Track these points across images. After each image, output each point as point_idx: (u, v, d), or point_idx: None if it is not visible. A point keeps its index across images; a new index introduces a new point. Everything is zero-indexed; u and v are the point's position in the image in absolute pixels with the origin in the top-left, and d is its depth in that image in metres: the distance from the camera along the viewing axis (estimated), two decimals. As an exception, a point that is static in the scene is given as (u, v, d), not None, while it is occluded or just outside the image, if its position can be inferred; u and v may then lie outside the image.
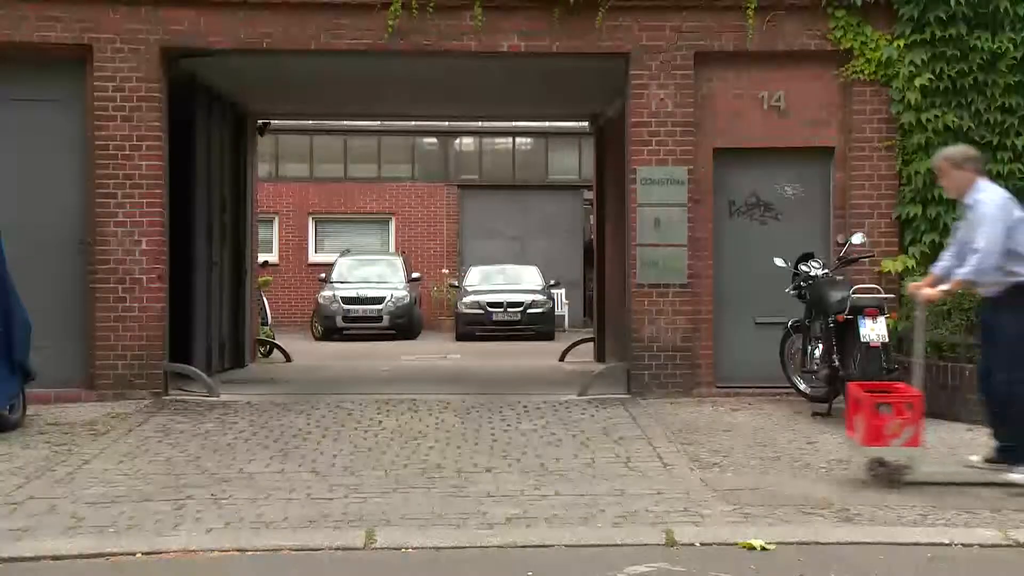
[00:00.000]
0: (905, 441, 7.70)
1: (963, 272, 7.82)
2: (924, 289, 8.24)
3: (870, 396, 7.87)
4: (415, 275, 26.69)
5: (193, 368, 12.80)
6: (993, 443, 8.12)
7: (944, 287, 8.06)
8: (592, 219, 21.01)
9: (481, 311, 24.95)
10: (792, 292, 11.45)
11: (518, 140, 30.51)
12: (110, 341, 11.94)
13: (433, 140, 30.62)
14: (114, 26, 11.97)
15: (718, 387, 12.25)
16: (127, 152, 11.98)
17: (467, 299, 25.32)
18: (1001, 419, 7.96)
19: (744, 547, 6.40)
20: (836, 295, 10.61)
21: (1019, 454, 7.79)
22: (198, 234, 14.12)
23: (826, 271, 11.30)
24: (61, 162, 12.16)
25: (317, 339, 25.05)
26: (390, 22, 12.03)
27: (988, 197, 7.81)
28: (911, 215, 12.08)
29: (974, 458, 8.29)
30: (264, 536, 6.66)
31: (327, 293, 25.36)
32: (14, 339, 10.12)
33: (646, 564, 6.05)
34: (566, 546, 6.46)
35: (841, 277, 11.24)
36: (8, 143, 12.09)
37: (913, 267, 11.93)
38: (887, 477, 7.80)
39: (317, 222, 30.53)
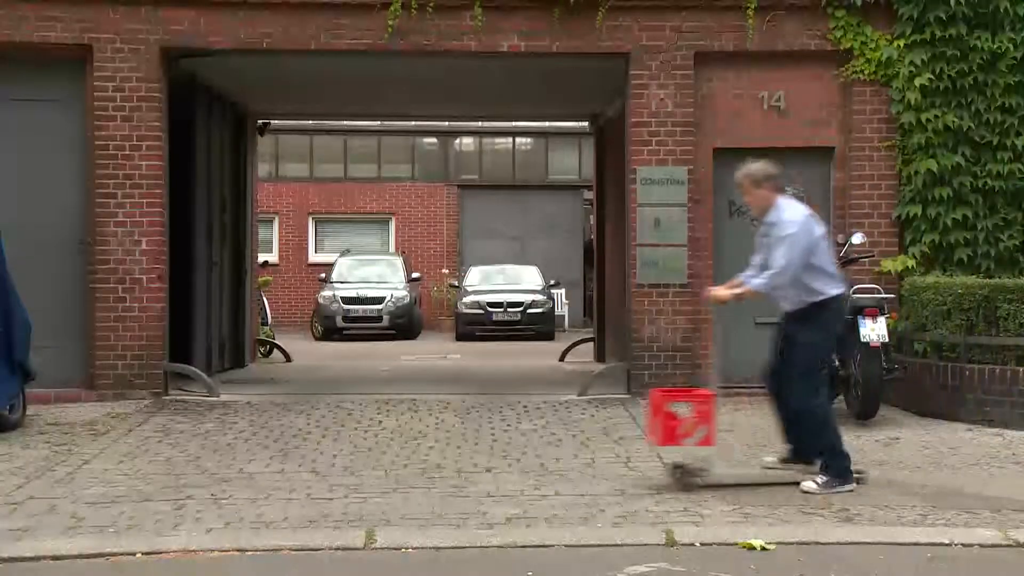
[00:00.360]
0: (698, 440, 7.74)
1: (757, 283, 7.84)
2: (716, 289, 8.31)
3: (663, 395, 7.91)
4: (415, 275, 26.68)
5: (193, 368, 12.80)
6: (786, 445, 8.15)
7: (737, 291, 8.08)
8: (592, 219, 21.01)
9: (481, 311, 24.95)
10: (792, 292, 11.42)
11: (518, 140, 30.50)
12: (110, 341, 11.94)
13: (433, 140, 30.62)
14: (114, 26, 11.97)
15: (718, 387, 12.20)
16: (127, 152, 11.98)
17: (467, 299, 25.32)
18: (795, 426, 8.02)
19: (744, 547, 6.40)
20: (836, 295, 10.59)
21: (835, 474, 7.73)
22: (198, 234, 14.12)
23: (826, 271, 11.28)
24: (61, 162, 12.17)
25: (317, 339, 25.04)
26: (390, 22, 12.03)
27: (788, 216, 7.77)
28: (911, 215, 12.08)
29: (769, 459, 8.34)
30: (264, 536, 6.66)
31: (327, 293, 25.35)
32: (14, 339, 10.12)
33: (646, 564, 6.05)
34: (566, 546, 6.46)
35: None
36: (8, 143, 12.09)
37: (913, 267, 11.94)
38: (684, 480, 7.78)
39: (317, 222, 30.52)
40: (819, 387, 8.02)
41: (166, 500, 7.53)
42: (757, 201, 7.96)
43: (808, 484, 7.70)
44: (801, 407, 7.88)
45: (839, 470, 7.74)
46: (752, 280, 7.89)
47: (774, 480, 7.90)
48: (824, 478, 7.72)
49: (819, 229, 7.88)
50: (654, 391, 8.12)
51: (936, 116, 12.01)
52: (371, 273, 26.29)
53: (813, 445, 7.90)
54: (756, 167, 8.04)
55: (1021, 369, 10.18)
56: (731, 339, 12.41)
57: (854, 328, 10.30)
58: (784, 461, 8.13)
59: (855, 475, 7.83)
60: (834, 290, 7.82)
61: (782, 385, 7.99)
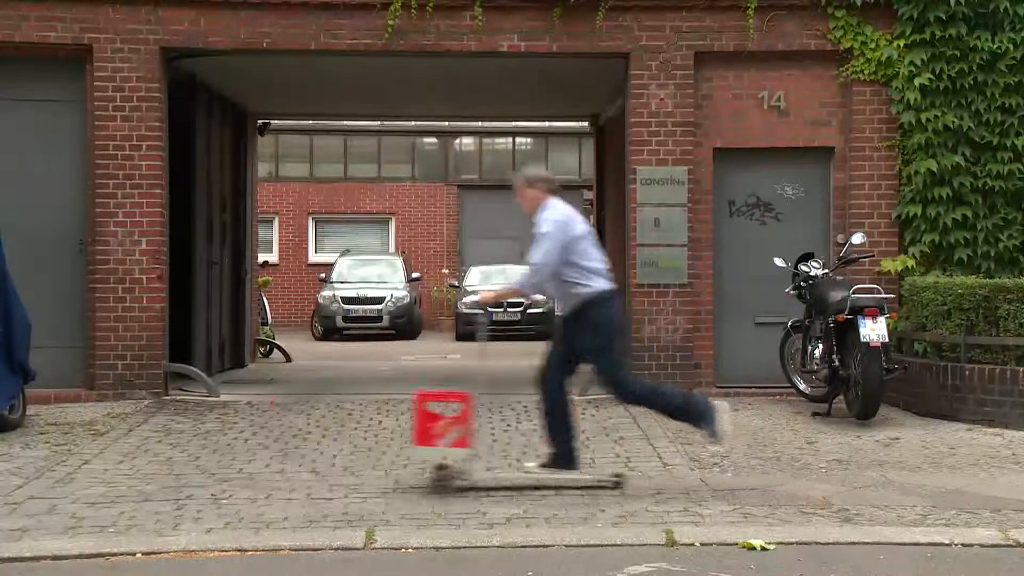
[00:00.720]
0: (452, 442, 7.69)
1: (515, 281, 8.01)
2: (483, 292, 8.46)
3: (420, 396, 7.87)
4: (415, 275, 26.69)
5: (193, 368, 12.80)
6: (549, 450, 8.10)
7: (499, 290, 8.32)
8: (592, 219, 21.00)
9: (481, 311, 24.89)
10: (792, 292, 11.45)
11: (518, 140, 30.49)
12: (110, 341, 11.94)
13: (433, 140, 30.62)
14: (114, 26, 11.97)
15: (718, 387, 12.25)
16: (127, 152, 11.98)
17: (467, 299, 25.30)
18: (554, 428, 8.03)
19: (744, 547, 6.40)
20: (836, 295, 10.61)
21: (705, 419, 7.87)
22: (198, 234, 14.12)
23: (826, 271, 11.31)
24: (61, 162, 12.17)
25: (317, 339, 25.04)
26: (390, 22, 12.04)
27: (550, 215, 7.92)
28: (911, 215, 12.08)
29: (530, 464, 8.30)
30: (264, 536, 6.66)
31: (327, 293, 25.36)
32: (14, 339, 10.12)
33: (646, 564, 6.05)
34: (566, 546, 6.46)
35: (841, 277, 11.25)
36: (8, 143, 12.09)
37: (913, 267, 11.93)
38: (442, 482, 7.73)
39: (317, 222, 30.52)
40: (626, 378, 8.04)
41: (166, 500, 7.53)
42: (528, 201, 8.13)
43: (714, 448, 7.93)
44: (637, 403, 8.12)
45: (700, 411, 7.87)
46: (512, 281, 8.01)
47: (530, 484, 7.84)
48: (707, 430, 7.86)
49: (580, 228, 7.97)
50: (418, 392, 8.08)
51: (936, 116, 12.01)
52: (371, 273, 26.30)
53: (684, 419, 8.00)
54: (529, 170, 8.38)
55: (1021, 369, 10.18)
56: (731, 339, 12.47)
57: (854, 328, 10.30)
58: (544, 466, 8.07)
59: (615, 479, 7.89)
60: (599, 285, 7.87)
61: (552, 388, 8.06)
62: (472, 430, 7.84)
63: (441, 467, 7.78)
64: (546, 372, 8.12)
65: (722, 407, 7.92)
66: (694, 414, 7.93)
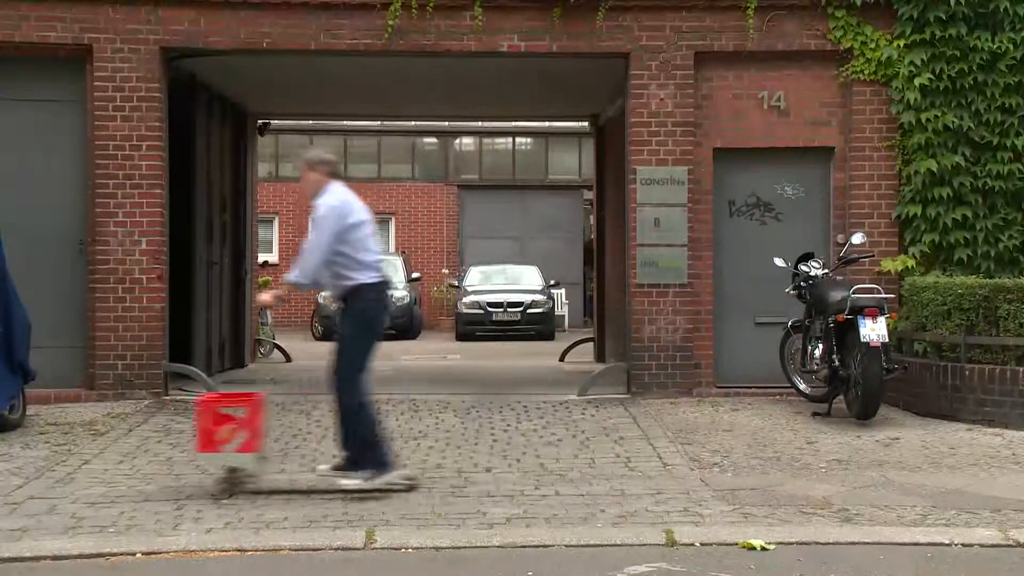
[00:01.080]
0: (237, 447, 7.56)
1: (289, 276, 7.83)
2: (261, 294, 8.30)
3: (210, 400, 7.73)
4: (415, 275, 26.68)
5: (193, 368, 12.79)
6: (342, 452, 7.96)
7: (276, 291, 8.18)
8: (592, 219, 21.02)
9: (481, 311, 24.94)
10: (792, 292, 11.45)
11: (518, 140, 30.50)
12: (110, 341, 11.94)
13: (433, 140, 30.63)
14: (114, 26, 11.97)
15: (718, 387, 12.25)
16: (127, 152, 11.98)
17: (467, 299, 25.32)
18: (343, 426, 7.89)
19: (744, 547, 6.40)
20: (836, 295, 10.61)
21: (363, 461, 7.72)
22: (198, 234, 14.12)
23: (826, 271, 11.31)
24: (61, 162, 12.17)
25: (317, 339, 25.04)
26: (390, 22, 12.04)
27: (325, 200, 7.78)
28: (911, 215, 12.07)
29: (323, 467, 8.14)
30: (264, 536, 6.66)
31: (327, 293, 25.33)
32: (14, 339, 10.12)
33: (646, 564, 6.05)
34: (566, 546, 6.46)
35: (841, 277, 11.25)
36: (8, 143, 12.09)
37: (913, 267, 11.93)
38: (231, 485, 7.65)
39: (317, 222, 30.49)
40: (360, 382, 7.89)
41: (166, 500, 7.53)
42: (308, 184, 7.99)
43: (345, 482, 7.68)
44: (347, 405, 7.82)
45: (381, 457, 7.71)
46: (286, 276, 7.90)
47: (318, 487, 7.79)
48: (371, 471, 7.68)
49: (357, 216, 7.82)
50: (202, 397, 7.91)
51: (936, 116, 12.00)
52: (371, 273, 26.26)
53: (365, 452, 7.75)
54: (312, 153, 8.26)
55: (1021, 369, 10.18)
56: (731, 339, 12.47)
57: (854, 328, 10.30)
58: (336, 468, 7.93)
59: (408, 483, 7.79)
60: (365, 278, 7.78)
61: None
62: (262, 433, 7.70)
63: (232, 470, 7.68)
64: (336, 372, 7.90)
65: (400, 474, 7.78)
66: (376, 456, 7.72)
